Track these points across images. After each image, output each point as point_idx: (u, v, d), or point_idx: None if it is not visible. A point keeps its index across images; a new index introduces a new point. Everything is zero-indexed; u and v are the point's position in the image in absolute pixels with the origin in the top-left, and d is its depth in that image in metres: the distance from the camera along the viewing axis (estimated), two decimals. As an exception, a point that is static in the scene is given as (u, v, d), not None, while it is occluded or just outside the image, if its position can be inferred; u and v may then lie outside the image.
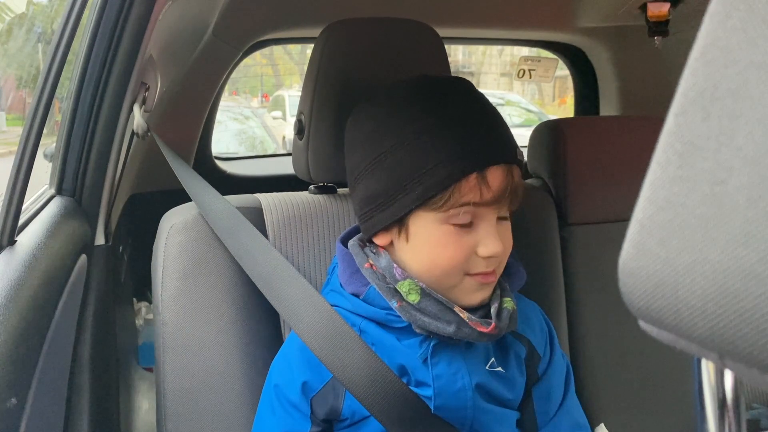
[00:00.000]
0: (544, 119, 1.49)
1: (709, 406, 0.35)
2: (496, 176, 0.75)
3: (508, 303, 0.80)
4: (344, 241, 0.87)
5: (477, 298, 0.78)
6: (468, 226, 0.76)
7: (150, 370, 1.73)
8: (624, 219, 0.27)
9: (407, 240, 0.79)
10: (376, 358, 0.76)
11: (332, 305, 0.82)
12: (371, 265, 0.81)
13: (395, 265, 0.79)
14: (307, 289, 0.84)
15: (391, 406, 0.75)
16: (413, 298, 0.77)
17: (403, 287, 0.77)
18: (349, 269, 0.83)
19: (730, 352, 0.22)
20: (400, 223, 0.78)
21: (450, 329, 0.75)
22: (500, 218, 0.79)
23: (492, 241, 0.76)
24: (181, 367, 0.91)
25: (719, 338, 0.22)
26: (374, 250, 0.83)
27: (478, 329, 0.76)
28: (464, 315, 0.76)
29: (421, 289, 0.77)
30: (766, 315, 0.20)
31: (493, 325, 0.76)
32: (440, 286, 0.78)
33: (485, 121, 0.78)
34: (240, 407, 0.91)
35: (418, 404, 0.76)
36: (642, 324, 0.26)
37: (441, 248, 0.76)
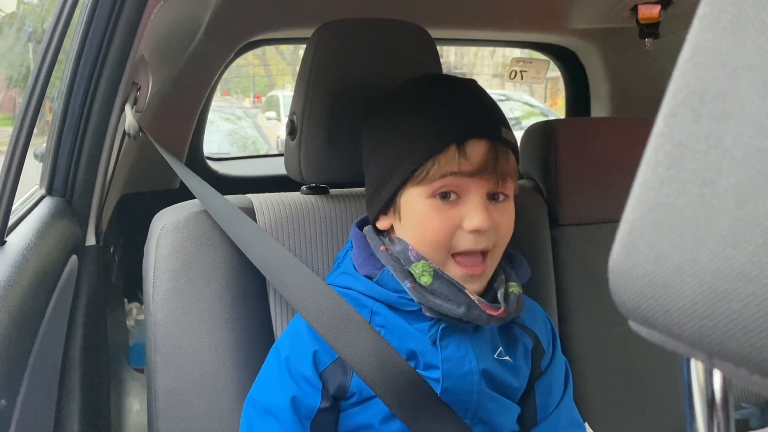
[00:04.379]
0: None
1: (698, 406, 0.35)
2: (475, 149, 0.77)
3: (514, 287, 0.82)
4: (360, 226, 0.89)
5: (467, 288, 0.79)
6: (454, 201, 0.78)
7: (141, 371, 1.73)
8: (615, 220, 0.27)
9: (400, 219, 0.82)
10: (382, 340, 0.77)
11: (344, 287, 0.83)
12: (386, 249, 0.83)
13: (410, 247, 0.80)
14: (310, 275, 0.85)
15: (398, 389, 0.76)
16: (425, 279, 0.78)
17: (416, 269, 0.79)
18: (363, 252, 0.85)
19: (719, 352, 0.22)
20: (393, 203, 0.82)
21: (460, 311, 0.76)
22: (496, 199, 0.80)
23: (478, 215, 0.76)
24: (173, 368, 0.91)
25: (708, 338, 0.22)
26: (389, 237, 0.85)
27: (488, 312, 0.77)
28: (474, 297, 0.77)
29: (434, 270, 0.78)
30: (754, 315, 0.20)
31: (502, 309, 0.78)
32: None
33: (471, 99, 0.82)
34: (232, 408, 0.90)
35: (424, 388, 0.77)
36: (632, 324, 0.26)
37: (426, 221, 0.78)
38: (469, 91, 0.84)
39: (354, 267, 0.85)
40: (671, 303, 0.23)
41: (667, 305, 0.23)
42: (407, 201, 0.80)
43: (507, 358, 0.84)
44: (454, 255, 0.79)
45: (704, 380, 0.35)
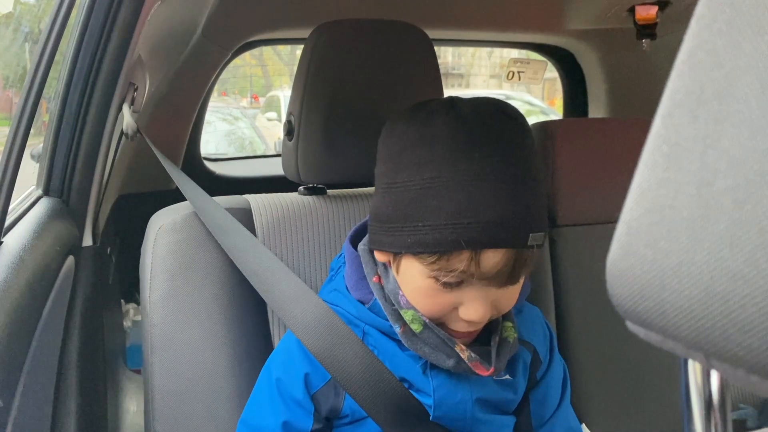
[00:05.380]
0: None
1: (695, 407, 0.35)
2: (491, 258, 0.68)
3: (510, 333, 0.78)
4: (353, 239, 0.84)
5: (458, 336, 0.76)
6: (455, 285, 0.71)
7: (138, 371, 1.72)
8: (612, 220, 0.27)
9: (397, 273, 0.76)
10: (373, 357, 0.76)
11: (336, 306, 0.80)
12: (379, 279, 0.79)
13: (401, 292, 0.76)
14: (300, 286, 0.83)
15: (388, 406, 0.75)
16: (416, 327, 0.74)
17: (407, 316, 0.75)
18: (356, 274, 0.81)
19: (716, 353, 0.22)
20: (394, 255, 0.75)
21: (449, 363, 0.73)
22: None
23: (475, 308, 0.71)
24: (169, 369, 0.91)
25: (705, 339, 0.22)
26: (385, 265, 0.80)
27: (477, 371, 0.74)
28: (464, 355, 0.74)
29: (424, 322, 0.74)
30: (751, 316, 0.20)
31: (492, 369, 0.74)
32: None
33: (503, 192, 0.67)
34: (229, 408, 0.90)
35: (415, 406, 0.76)
36: (629, 325, 0.26)
37: (421, 296, 0.73)
38: (508, 169, 0.68)
39: (346, 288, 0.81)
40: (668, 304, 0.23)
41: (665, 306, 0.23)
42: (407, 267, 0.73)
43: (507, 376, 0.82)
44: None
45: (702, 381, 0.35)
